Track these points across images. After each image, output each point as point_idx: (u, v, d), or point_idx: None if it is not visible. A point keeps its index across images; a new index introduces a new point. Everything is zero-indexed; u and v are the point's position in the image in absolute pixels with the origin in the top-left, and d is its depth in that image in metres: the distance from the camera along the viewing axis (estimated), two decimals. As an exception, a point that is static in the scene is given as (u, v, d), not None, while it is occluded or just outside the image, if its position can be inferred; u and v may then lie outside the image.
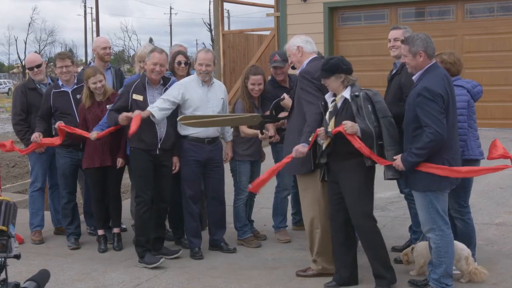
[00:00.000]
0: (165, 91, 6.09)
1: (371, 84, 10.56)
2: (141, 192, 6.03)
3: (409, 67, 4.89)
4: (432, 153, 4.65)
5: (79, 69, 9.38)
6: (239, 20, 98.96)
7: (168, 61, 6.38)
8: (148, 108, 5.90)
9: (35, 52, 31.56)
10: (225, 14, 47.14)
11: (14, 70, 74.53)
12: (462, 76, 5.47)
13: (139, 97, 6.01)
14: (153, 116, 5.87)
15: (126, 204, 7.14)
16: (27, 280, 2.93)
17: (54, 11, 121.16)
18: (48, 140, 6.43)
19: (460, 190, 5.16)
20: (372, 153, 4.86)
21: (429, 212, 4.77)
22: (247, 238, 6.50)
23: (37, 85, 6.88)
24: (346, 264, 5.18)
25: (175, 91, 6.04)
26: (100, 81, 6.29)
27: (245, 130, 6.30)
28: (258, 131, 6.06)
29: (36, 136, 6.40)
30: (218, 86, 6.36)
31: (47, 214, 7.12)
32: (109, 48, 7.21)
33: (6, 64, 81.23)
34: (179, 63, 6.59)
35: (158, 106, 5.91)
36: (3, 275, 2.83)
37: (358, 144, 4.83)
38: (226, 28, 27.40)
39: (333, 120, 5.00)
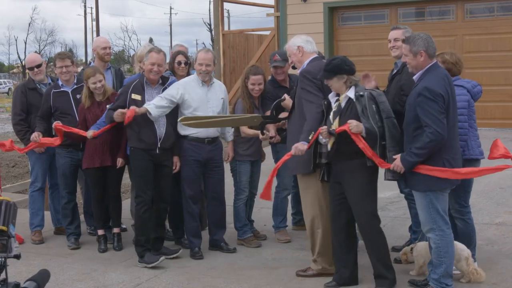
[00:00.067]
0: (163, 90, 6.10)
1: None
2: (141, 192, 6.03)
3: (409, 66, 4.89)
4: (432, 153, 4.65)
5: (79, 69, 9.38)
6: (239, 20, 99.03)
7: (167, 61, 6.38)
8: (145, 105, 5.91)
9: (35, 52, 31.60)
10: (225, 14, 47.14)
11: (14, 70, 74.54)
12: (462, 76, 5.47)
13: (138, 97, 6.02)
14: (149, 113, 5.88)
15: (126, 204, 7.14)
16: (27, 280, 2.93)
17: (54, 11, 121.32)
18: (47, 140, 6.43)
19: (461, 190, 5.16)
20: (374, 155, 4.85)
21: (430, 212, 4.77)
22: (247, 238, 6.50)
23: (37, 85, 6.88)
24: (347, 264, 5.17)
25: (174, 91, 6.04)
26: (100, 81, 6.29)
27: (245, 130, 6.30)
28: (259, 132, 6.06)
29: (35, 135, 6.40)
30: (218, 86, 6.36)
31: (47, 214, 7.12)
32: (109, 48, 7.21)
33: (6, 64, 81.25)
34: (179, 63, 6.59)
35: (155, 103, 5.92)
36: (3, 275, 2.83)
37: (362, 144, 4.82)
38: (226, 28, 27.39)
39: (337, 120, 4.99)
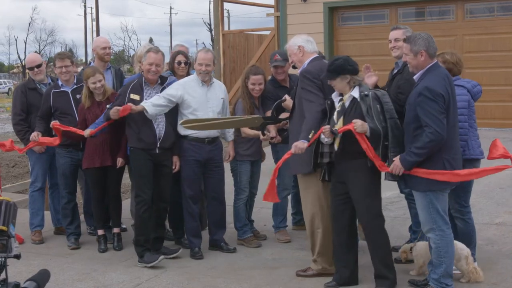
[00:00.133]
0: (162, 90, 6.10)
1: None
2: (141, 191, 6.04)
3: (410, 66, 4.90)
4: (432, 153, 4.65)
5: (79, 69, 9.38)
6: (239, 20, 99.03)
7: (165, 61, 6.38)
8: (142, 103, 5.92)
9: (35, 52, 31.59)
10: (225, 14, 47.15)
11: (14, 70, 74.54)
12: (462, 76, 5.48)
13: (136, 97, 6.02)
14: (146, 111, 5.88)
15: (126, 204, 7.14)
16: (27, 280, 2.93)
17: (54, 11, 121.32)
18: (47, 139, 6.44)
19: (461, 190, 5.16)
20: (376, 156, 4.84)
21: (429, 212, 4.77)
22: (247, 238, 6.50)
23: (37, 85, 6.88)
24: (347, 264, 5.17)
25: (173, 90, 6.04)
26: (100, 81, 6.29)
27: (246, 130, 6.29)
28: (259, 132, 6.07)
29: (34, 135, 6.41)
30: (218, 86, 6.36)
31: (47, 214, 7.12)
32: (109, 48, 7.20)
33: (6, 64, 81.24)
34: (179, 63, 6.59)
35: (152, 101, 5.93)
36: (3, 275, 2.83)
37: (365, 145, 4.81)
38: (226, 28, 27.40)
39: (341, 119, 4.98)
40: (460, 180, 4.81)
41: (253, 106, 6.38)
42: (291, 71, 6.61)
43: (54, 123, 6.31)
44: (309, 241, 5.54)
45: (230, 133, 6.42)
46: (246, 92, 6.39)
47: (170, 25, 74.75)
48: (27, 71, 7.41)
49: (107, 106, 6.24)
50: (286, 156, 5.27)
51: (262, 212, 7.42)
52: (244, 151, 6.42)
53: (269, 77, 6.72)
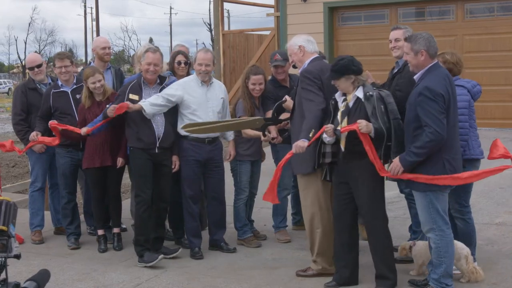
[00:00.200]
0: (161, 90, 6.10)
1: (371, 84, 10.55)
2: (141, 191, 6.04)
3: (410, 65, 4.90)
4: (432, 152, 4.65)
5: (79, 69, 9.38)
6: (239, 20, 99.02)
7: (163, 61, 6.38)
8: (140, 102, 5.92)
9: (35, 52, 31.59)
10: (225, 14, 47.15)
11: (14, 70, 74.53)
12: (462, 76, 5.48)
13: (135, 97, 6.03)
14: (143, 110, 5.88)
15: (126, 204, 7.14)
16: (27, 280, 2.93)
17: (54, 11, 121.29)
18: (46, 139, 6.44)
19: (461, 190, 5.16)
20: (377, 159, 4.82)
21: (430, 212, 4.77)
22: (247, 238, 6.50)
23: (37, 85, 6.87)
24: (347, 264, 5.17)
25: (172, 90, 6.05)
26: (99, 81, 6.29)
27: (247, 131, 6.29)
28: (260, 133, 6.07)
29: (33, 134, 6.42)
30: (218, 86, 6.36)
31: (47, 214, 7.12)
32: (109, 48, 7.19)
33: (6, 64, 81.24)
34: (179, 63, 6.60)
35: (150, 101, 5.94)
36: (3, 275, 2.83)
37: (368, 146, 4.79)
38: (226, 28, 27.40)
39: (345, 120, 4.96)
40: (461, 183, 4.82)
41: (254, 106, 6.38)
42: (291, 70, 6.61)
43: (52, 122, 6.31)
44: (308, 241, 5.54)
45: (230, 132, 6.42)
46: (246, 92, 6.39)
47: (170, 25, 74.83)
48: (27, 71, 7.41)
49: (107, 106, 6.24)
50: (288, 156, 5.26)
51: (262, 212, 7.42)
52: (244, 151, 6.42)
53: (269, 77, 6.73)
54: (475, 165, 5.26)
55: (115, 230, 6.53)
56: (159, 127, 6.05)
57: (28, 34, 73.18)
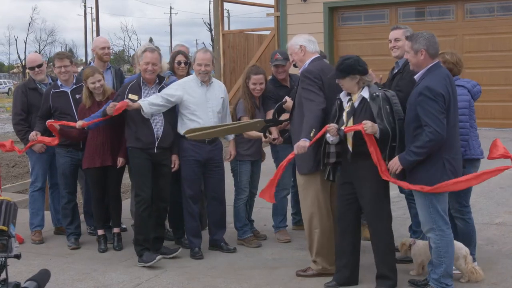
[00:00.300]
0: (160, 90, 6.10)
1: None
2: (140, 190, 6.04)
3: (411, 64, 4.90)
4: (432, 152, 4.65)
5: (79, 69, 9.38)
6: (239, 20, 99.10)
7: (162, 60, 6.38)
8: (139, 101, 5.92)
9: (35, 52, 31.57)
10: (225, 14, 47.15)
11: (14, 70, 74.54)
12: (462, 76, 5.48)
13: (135, 97, 6.03)
14: (142, 109, 5.89)
15: (126, 204, 7.14)
16: (27, 280, 2.94)
17: (54, 11, 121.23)
18: (46, 138, 6.43)
19: (461, 190, 5.16)
20: (381, 160, 4.81)
21: (429, 212, 4.77)
22: (247, 238, 6.50)
23: (37, 85, 6.87)
24: (348, 264, 5.17)
25: (172, 90, 6.05)
26: (99, 81, 6.29)
27: (248, 132, 6.28)
28: (261, 134, 6.07)
29: (33, 134, 6.42)
30: (218, 86, 6.36)
31: (47, 214, 7.12)
32: (108, 48, 7.19)
33: (6, 64, 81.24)
34: (179, 63, 6.61)
35: (149, 100, 5.95)
36: (3, 275, 2.84)
37: (372, 147, 4.78)
38: (226, 28, 27.40)
39: (351, 120, 4.95)
40: (463, 187, 4.82)
41: (254, 106, 6.38)
42: (292, 70, 6.61)
43: (49, 121, 6.30)
44: (307, 241, 5.55)
45: (230, 132, 6.42)
46: (247, 92, 6.39)
47: (170, 25, 74.82)
48: (27, 71, 7.41)
49: (107, 103, 6.24)
50: (290, 156, 5.24)
51: (262, 212, 7.42)
52: (245, 151, 6.42)
53: (270, 77, 6.73)
54: (475, 165, 5.26)
55: (115, 230, 6.53)
56: (158, 127, 6.06)
57: (28, 34, 73.26)
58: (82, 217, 7.09)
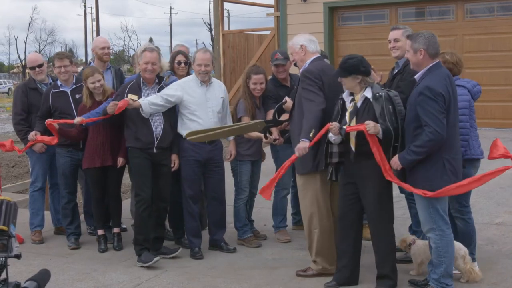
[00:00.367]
0: (160, 89, 6.11)
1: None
2: (140, 190, 6.05)
3: (411, 63, 4.90)
4: (431, 152, 4.65)
5: (79, 69, 9.38)
6: (239, 20, 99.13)
7: (161, 59, 6.38)
8: (139, 100, 5.93)
9: (35, 51, 31.56)
10: (225, 14, 47.14)
11: (14, 70, 74.54)
12: (462, 76, 5.48)
13: (134, 97, 6.03)
14: (141, 109, 5.89)
15: (126, 204, 7.14)
16: (27, 280, 2.93)
17: (54, 11, 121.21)
18: (45, 138, 6.43)
19: (461, 190, 5.16)
20: (384, 160, 4.80)
21: (429, 212, 4.77)
22: (247, 238, 6.50)
23: (38, 85, 6.87)
24: (349, 264, 5.16)
25: (171, 91, 6.05)
26: (99, 81, 6.29)
27: (249, 133, 6.28)
28: (262, 135, 6.07)
29: (32, 134, 6.43)
30: (218, 86, 6.36)
31: (47, 214, 7.12)
32: (108, 48, 7.19)
33: (6, 64, 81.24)
34: (179, 62, 6.61)
35: (150, 100, 5.95)
36: (4, 275, 2.83)
37: (375, 147, 4.77)
38: (226, 28, 27.40)
39: (354, 120, 4.94)
40: (466, 191, 4.82)
41: (255, 106, 6.38)
42: (292, 70, 6.61)
43: (48, 121, 6.30)
44: (307, 241, 5.54)
45: (230, 132, 6.42)
46: (247, 92, 6.39)
47: (170, 25, 74.81)
48: (27, 70, 7.42)
49: (106, 102, 6.23)
50: (293, 157, 5.23)
51: (262, 212, 7.43)
52: (245, 151, 6.42)
53: (270, 77, 6.73)
54: (475, 165, 5.27)
55: (115, 230, 6.53)
56: (157, 127, 6.06)
57: (28, 34, 73.26)
58: (82, 217, 7.09)
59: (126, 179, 7.47)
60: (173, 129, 6.16)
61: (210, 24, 61.21)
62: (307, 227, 5.47)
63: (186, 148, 6.12)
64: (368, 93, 4.95)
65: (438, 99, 4.60)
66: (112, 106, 5.91)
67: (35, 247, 6.64)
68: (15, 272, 5.31)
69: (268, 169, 6.77)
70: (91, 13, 64.25)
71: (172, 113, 6.16)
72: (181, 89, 6.08)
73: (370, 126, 4.76)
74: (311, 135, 5.07)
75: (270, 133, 6.14)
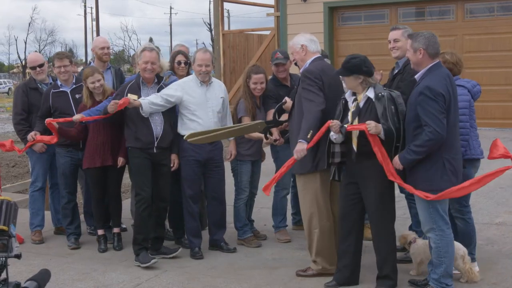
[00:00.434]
0: (159, 89, 6.11)
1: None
2: (140, 190, 6.05)
3: (411, 62, 4.90)
4: (431, 151, 4.65)
5: (79, 69, 9.38)
6: (239, 20, 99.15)
7: (160, 59, 6.38)
8: (140, 99, 5.94)
9: (35, 51, 31.54)
10: (225, 14, 47.14)
11: (14, 70, 74.54)
12: (462, 76, 5.48)
13: (134, 97, 6.03)
14: (141, 108, 5.89)
15: (126, 204, 7.14)
16: (28, 280, 2.93)
17: (54, 11, 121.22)
18: (44, 137, 6.43)
19: (461, 190, 5.16)
20: (386, 160, 4.79)
21: (430, 212, 4.77)
22: (247, 238, 6.50)
23: (38, 84, 6.87)
24: (350, 264, 5.16)
25: (171, 91, 6.05)
26: (98, 81, 6.29)
27: (250, 133, 6.28)
28: (263, 135, 6.07)
29: (31, 134, 6.43)
30: (218, 85, 6.36)
31: (47, 214, 7.12)
32: (107, 48, 7.18)
33: (6, 64, 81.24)
34: (179, 62, 6.62)
35: (150, 99, 5.96)
36: (4, 275, 2.83)
37: (377, 147, 4.77)
38: (226, 28, 27.40)
39: (356, 120, 4.93)
40: (467, 192, 4.82)
41: (255, 106, 6.38)
42: (292, 70, 6.61)
43: (48, 120, 6.30)
44: (307, 241, 5.54)
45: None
46: (247, 92, 6.38)
47: (170, 25, 74.81)
48: (27, 70, 7.43)
49: (107, 100, 6.23)
50: (290, 162, 5.22)
51: (262, 212, 7.43)
52: (245, 151, 6.41)
53: (270, 77, 6.73)
54: (475, 165, 5.27)
55: (115, 230, 6.53)
56: (157, 126, 6.06)
57: (28, 34, 73.30)
58: (82, 217, 7.09)
59: (126, 179, 7.48)
60: (173, 129, 6.16)
61: (210, 24, 61.26)
62: (307, 227, 5.47)
63: (186, 148, 6.12)
64: (370, 93, 4.94)
65: (438, 99, 4.60)
66: (113, 105, 5.91)
67: (35, 247, 6.64)
68: (15, 272, 5.32)
69: (268, 169, 6.77)
70: (91, 13, 64.34)
71: (172, 113, 6.16)
72: (181, 89, 6.08)
73: (371, 126, 4.76)
74: (308, 136, 5.06)
75: (271, 134, 6.14)
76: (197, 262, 6.00)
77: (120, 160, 6.28)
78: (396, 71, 5.65)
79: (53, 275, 4.60)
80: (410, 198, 5.64)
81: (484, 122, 12.25)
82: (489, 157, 4.90)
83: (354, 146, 4.98)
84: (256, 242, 6.49)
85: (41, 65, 6.88)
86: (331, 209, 5.43)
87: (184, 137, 5.94)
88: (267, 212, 7.06)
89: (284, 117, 5.95)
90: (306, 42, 5.47)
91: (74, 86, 6.68)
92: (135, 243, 6.02)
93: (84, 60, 55.96)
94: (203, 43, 61.53)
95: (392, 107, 4.87)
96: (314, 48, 5.49)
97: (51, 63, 7.04)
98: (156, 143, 6.04)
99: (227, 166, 6.48)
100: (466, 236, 5.30)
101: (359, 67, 4.93)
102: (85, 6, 66.69)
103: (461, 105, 5.00)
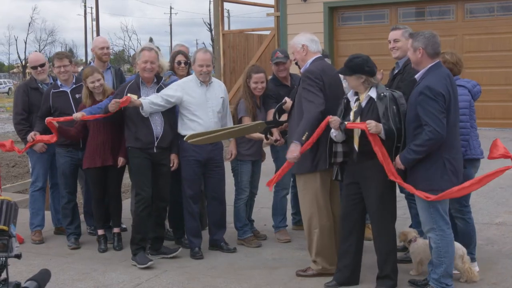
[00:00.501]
0: (159, 89, 6.11)
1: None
2: (140, 189, 6.05)
3: (411, 61, 4.91)
4: (431, 151, 4.65)
5: (79, 69, 9.38)
6: (239, 20, 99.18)
7: (160, 59, 6.38)
8: (140, 99, 5.94)
9: (35, 51, 31.54)
10: (225, 14, 47.09)
11: (14, 70, 74.54)
12: (462, 76, 5.49)
13: (134, 97, 6.02)
14: (141, 107, 5.89)
15: (126, 204, 7.14)
16: (28, 280, 2.93)
17: (54, 11, 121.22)
18: (44, 137, 6.43)
19: (461, 190, 5.16)
20: (387, 159, 4.78)
21: (430, 212, 4.77)
22: (247, 238, 6.50)
23: (39, 84, 6.87)
24: (350, 264, 5.16)
25: (171, 91, 6.05)
26: (98, 81, 6.29)
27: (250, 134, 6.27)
28: (263, 136, 6.07)
29: (31, 135, 6.43)
30: (218, 85, 6.35)
31: (48, 214, 7.12)
32: (107, 48, 7.18)
33: (6, 64, 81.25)
34: (179, 62, 6.62)
35: (150, 99, 5.96)
36: (4, 275, 2.83)
37: (377, 147, 4.76)
38: (226, 28, 27.40)
39: (358, 120, 4.93)
40: (467, 193, 4.81)
41: (255, 105, 6.38)
42: (292, 70, 6.61)
43: (48, 119, 6.30)
44: (307, 241, 5.54)
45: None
46: (248, 92, 6.38)
47: (170, 25, 74.82)
48: (28, 70, 7.44)
49: (107, 99, 6.23)
50: (286, 166, 5.21)
51: (262, 212, 7.43)
52: (245, 151, 6.41)
53: (270, 77, 6.73)
54: (475, 165, 5.27)
55: (115, 230, 6.53)
56: (157, 126, 6.06)
57: (28, 34, 73.33)
58: (82, 217, 7.09)
59: (126, 179, 7.47)
60: (173, 129, 6.15)
61: (210, 24, 61.27)
62: (307, 227, 5.47)
63: (187, 148, 6.11)
64: (373, 93, 4.94)
65: (438, 98, 4.60)
66: (114, 104, 5.91)
67: (35, 247, 6.64)
68: (15, 272, 5.32)
69: (268, 169, 6.77)
70: (91, 13, 64.35)
71: (172, 113, 6.16)
72: (181, 89, 6.08)
73: (372, 125, 4.76)
74: (303, 138, 5.05)
75: (271, 134, 6.14)
76: (197, 262, 6.00)
77: (120, 160, 6.28)
78: (396, 71, 5.66)
79: (53, 275, 4.60)
80: (410, 198, 5.64)
81: (484, 122, 12.25)
82: (489, 157, 4.90)
83: (356, 146, 4.98)
84: (256, 242, 6.49)
85: (42, 65, 6.88)
86: (331, 209, 5.43)
87: (185, 138, 5.94)
88: (267, 212, 7.06)
89: (284, 117, 5.95)
90: (307, 42, 5.46)
91: (74, 86, 6.69)
92: (133, 243, 6.02)
93: (84, 60, 55.95)
94: (203, 43, 61.63)
95: (394, 107, 4.86)
96: (315, 48, 5.48)
97: (51, 63, 7.04)
98: (156, 143, 6.04)
99: (227, 166, 6.48)
100: (466, 236, 5.30)
101: (361, 67, 4.93)
102: (85, 6, 66.75)
103: (461, 105, 5.00)
